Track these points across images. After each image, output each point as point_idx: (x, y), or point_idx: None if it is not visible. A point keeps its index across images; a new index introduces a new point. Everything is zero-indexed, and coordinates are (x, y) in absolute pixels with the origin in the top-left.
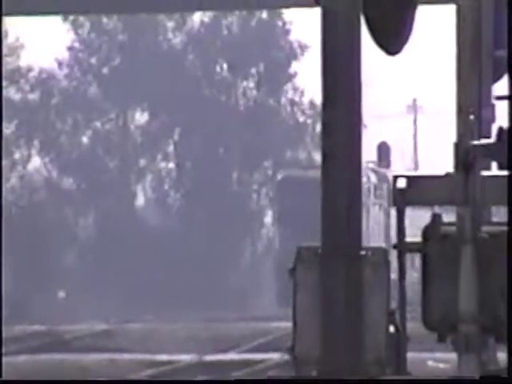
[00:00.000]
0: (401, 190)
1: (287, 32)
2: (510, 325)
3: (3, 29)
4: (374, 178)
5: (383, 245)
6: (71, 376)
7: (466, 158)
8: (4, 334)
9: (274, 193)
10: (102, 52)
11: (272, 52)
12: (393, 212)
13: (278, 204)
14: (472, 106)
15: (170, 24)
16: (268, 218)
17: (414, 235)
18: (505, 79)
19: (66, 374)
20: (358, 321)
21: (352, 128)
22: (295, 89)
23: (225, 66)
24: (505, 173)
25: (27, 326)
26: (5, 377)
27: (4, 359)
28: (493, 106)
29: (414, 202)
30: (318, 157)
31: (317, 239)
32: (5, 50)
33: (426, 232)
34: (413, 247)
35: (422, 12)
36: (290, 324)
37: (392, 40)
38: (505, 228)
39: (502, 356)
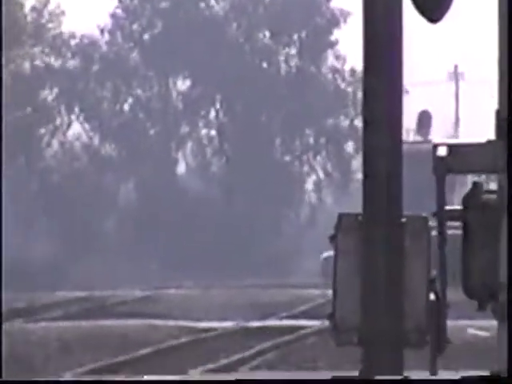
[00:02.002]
0: (441, 157)
1: None
2: (510, 324)
3: None
4: None
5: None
6: (111, 342)
7: (508, 125)
8: (45, 300)
9: None
10: (143, 19)
11: (314, 19)
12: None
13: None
14: None
15: None
16: (309, 185)
17: None
18: None
19: (106, 340)
20: (398, 288)
21: (393, 95)
22: (337, 56)
23: (267, 32)
24: None
25: (68, 291)
26: (46, 342)
27: (45, 325)
28: None
29: (455, 170)
30: (359, 124)
31: (421, 208)
32: (46, 17)
33: (467, 200)
34: (453, 215)
35: None
36: (330, 291)
37: (433, 7)
38: None
39: None
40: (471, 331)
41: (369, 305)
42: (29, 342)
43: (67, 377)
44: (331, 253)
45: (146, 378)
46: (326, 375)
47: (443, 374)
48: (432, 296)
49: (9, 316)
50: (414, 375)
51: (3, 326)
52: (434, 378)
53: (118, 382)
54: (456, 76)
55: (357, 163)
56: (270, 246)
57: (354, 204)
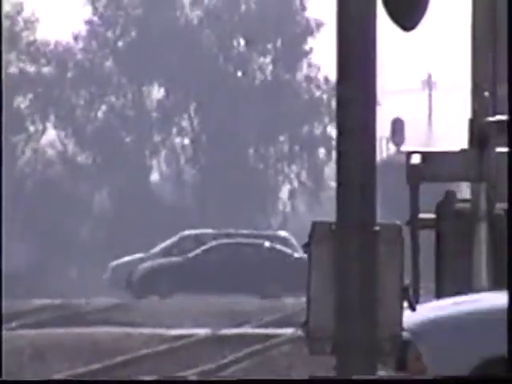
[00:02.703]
0: (415, 165)
1: (304, 8)
2: (510, 321)
3: (19, 2)
4: None
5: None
6: (85, 350)
7: (481, 134)
8: (20, 307)
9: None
10: (118, 26)
11: (288, 28)
12: None
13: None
14: (487, 82)
15: None
16: (284, 194)
17: None
18: None
19: (80, 347)
20: (371, 297)
21: (367, 103)
22: (311, 65)
23: (241, 41)
24: None
25: (42, 299)
26: (20, 349)
27: (19, 332)
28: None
29: (428, 178)
30: (333, 132)
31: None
32: (21, 24)
33: (440, 208)
34: (426, 224)
35: None
36: (300, 301)
37: (407, 16)
38: None
39: None
40: None
41: (342, 313)
42: (3, 349)
43: None
44: (120, 261)
45: (145, 378)
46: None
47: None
48: (405, 304)
49: None
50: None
51: None
52: (426, 378)
53: (117, 382)
54: (429, 84)
55: (329, 170)
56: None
57: (326, 212)
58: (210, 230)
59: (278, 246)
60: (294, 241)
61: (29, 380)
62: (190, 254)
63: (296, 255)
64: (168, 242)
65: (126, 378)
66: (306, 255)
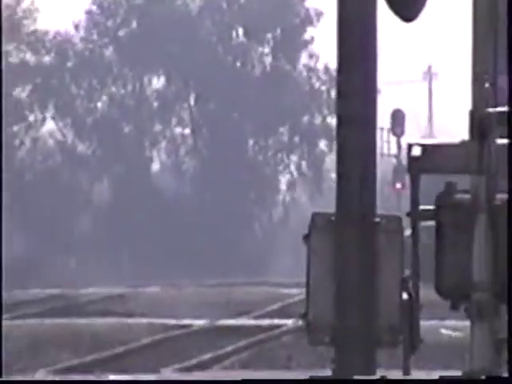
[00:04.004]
0: (415, 157)
1: None
2: (510, 321)
3: None
4: None
5: None
6: (84, 340)
7: (482, 125)
8: (19, 298)
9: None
10: (118, 15)
11: (288, 18)
12: None
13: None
14: (488, 73)
15: None
16: (284, 185)
17: None
18: None
19: (79, 338)
20: (371, 288)
21: (367, 94)
22: (311, 55)
23: (241, 31)
24: None
25: (41, 289)
26: (17, 339)
27: (17, 322)
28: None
29: (429, 170)
30: (333, 123)
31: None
32: (20, 14)
33: (440, 200)
34: (426, 215)
35: None
36: (301, 290)
37: (408, 6)
38: None
39: None
40: (444, 331)
41: (342, 304)
42: (2, 339)
43: (39, 374)
44: None
45: (144, 377)
46: (300, 375)
47: (417, 374)
48: (405, 295)
49: None
50: (388, 375)
51: None
52: (440, 377)
53: (117, 382)
54: (430, 75)
55: (330, 161)
56: (243, 245)
57: (327, 203)
58: None
59: None
60: None
61: (29, 380)
62: None
63: None
64: None
65: (125, 369)
66: None
